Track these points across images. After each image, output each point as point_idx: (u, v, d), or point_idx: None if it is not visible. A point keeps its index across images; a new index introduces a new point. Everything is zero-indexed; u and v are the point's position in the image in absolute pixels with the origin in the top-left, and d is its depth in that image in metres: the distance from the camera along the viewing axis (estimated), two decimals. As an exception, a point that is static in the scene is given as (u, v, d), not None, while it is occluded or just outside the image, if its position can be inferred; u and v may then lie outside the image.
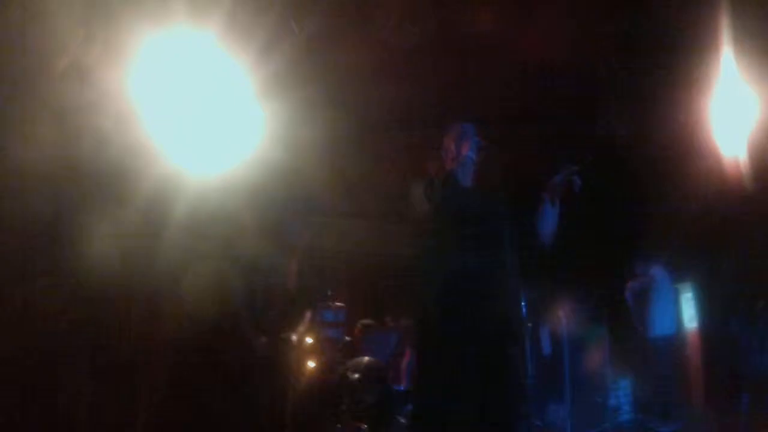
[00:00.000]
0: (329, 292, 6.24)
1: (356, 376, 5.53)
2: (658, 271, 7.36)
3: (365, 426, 5.78)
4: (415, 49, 5.01)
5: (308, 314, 4.70)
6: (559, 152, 4.08)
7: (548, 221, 3.32)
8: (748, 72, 4.91)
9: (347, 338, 6.03)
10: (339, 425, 5.53)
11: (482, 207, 3.27)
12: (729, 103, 5.35)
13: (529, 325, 6.05)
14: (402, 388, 6.01)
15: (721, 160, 5.59)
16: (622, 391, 7.85)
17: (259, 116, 4.75)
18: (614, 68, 5.87)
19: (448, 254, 3.12)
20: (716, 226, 6.34)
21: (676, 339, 7.40)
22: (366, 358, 5.74)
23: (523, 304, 3.66)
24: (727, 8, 4.58)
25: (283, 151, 5.02)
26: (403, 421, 4.93)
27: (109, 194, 4.50)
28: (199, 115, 4.47)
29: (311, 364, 6.30)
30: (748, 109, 5.17)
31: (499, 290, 3.11)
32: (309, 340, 6.41)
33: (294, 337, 4.77)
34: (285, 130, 4.97)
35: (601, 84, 6.08)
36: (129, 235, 4.46)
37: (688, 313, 8.28)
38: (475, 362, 2.96)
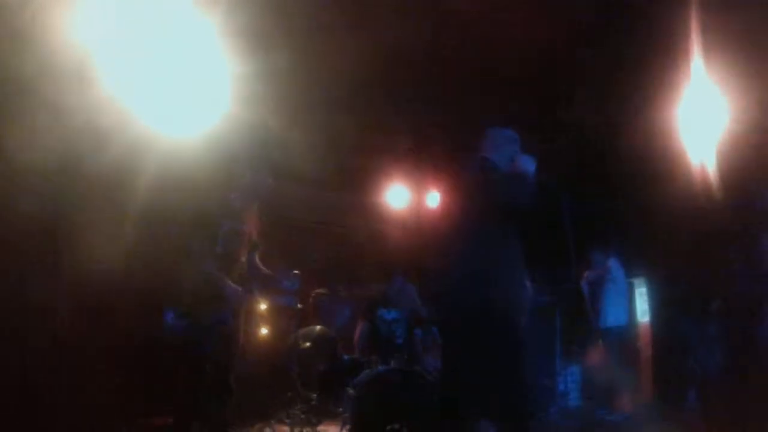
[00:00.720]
0: (315, 257, 6.23)
1: (307, 344, 5.54)
2: (613, 263, 7.45)
3: (315, 395, 5.81)
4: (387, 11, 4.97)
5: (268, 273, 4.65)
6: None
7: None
8: (718, 69, 4.97)
9: (299, 306, 6.01)
10: (289, 393, 5.53)
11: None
12: (696, 101, 5.41)
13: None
14: (351, 358, 6.03)
15: (685, 158, 5.67)
16: (570, 377, 7.96)
17: (228, 76, 4.69)
18: (584, 57, 5.91)
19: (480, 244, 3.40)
20: (675, 225, 6.42)
21: (626, 330, 7.51)
22: (318, 327, 5.75)
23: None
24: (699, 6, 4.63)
25: (251, 113, 4.97)
26: (351, 391, 4.94)
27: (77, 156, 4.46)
28: (165, 74, 4.41)
29: (264, 330, 6.31)
30: (714, 108, 5.24)
31: (512, 273, 3.51)
32: (263, 306, 6.42)
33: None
34: (254, 91, 4.92)
35: (569, 72, 6.13)
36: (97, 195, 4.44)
37: (641, 307, 8.41)
38: (492, 339, 3.30)
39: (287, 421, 5.25)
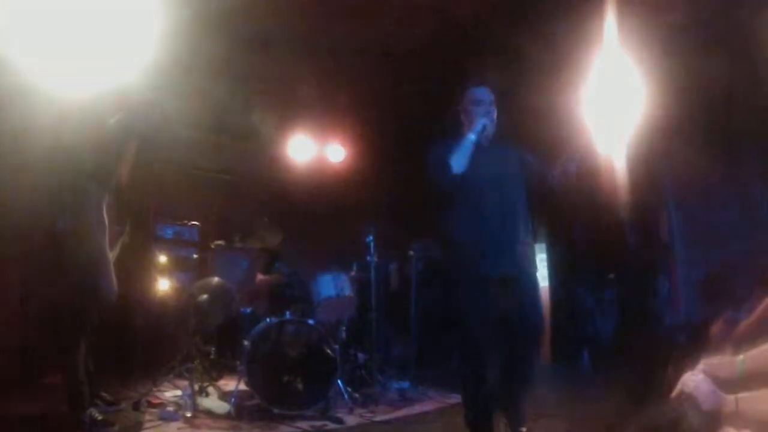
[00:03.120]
0: (266, 220, 6.11)
1: (204, 296, 5.45)
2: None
3: (213, 348, 5.75)
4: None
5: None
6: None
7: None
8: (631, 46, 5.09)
9: (195, 256, 5.92)
10: (186, 347, 5.44)
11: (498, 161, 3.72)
12: (604, 72, 5.53)
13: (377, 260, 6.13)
14: (248, 311, 5.99)
15: (589, 131, 5.80)
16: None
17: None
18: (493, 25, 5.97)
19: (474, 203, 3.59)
20: (577, 195, 6.58)
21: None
22: (215, 279, 5.66)
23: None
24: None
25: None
26: (246, 343, 4.91)
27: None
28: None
29: (162, 283, 6.19)
30: (623, 83, 5.36)
31: (518, 226, 3.63)
32: (162, 258, 6.29)
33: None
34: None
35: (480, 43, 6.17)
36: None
37: (541, 272, 8.64)
38: (503, 289, 3.46)
39: (186, 375, 5.16)
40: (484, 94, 3.83)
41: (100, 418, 4.00)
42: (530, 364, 3.58)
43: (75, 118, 4.05)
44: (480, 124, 3.64)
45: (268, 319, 5.10)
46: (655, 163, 5.88)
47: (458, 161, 3.55)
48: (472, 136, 3.62)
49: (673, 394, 2.18)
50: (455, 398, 5.77)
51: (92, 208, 4.03)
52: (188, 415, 4.53)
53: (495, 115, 3.76)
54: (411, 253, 7.21)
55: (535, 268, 3.70)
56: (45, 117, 4.15)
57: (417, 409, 5.40)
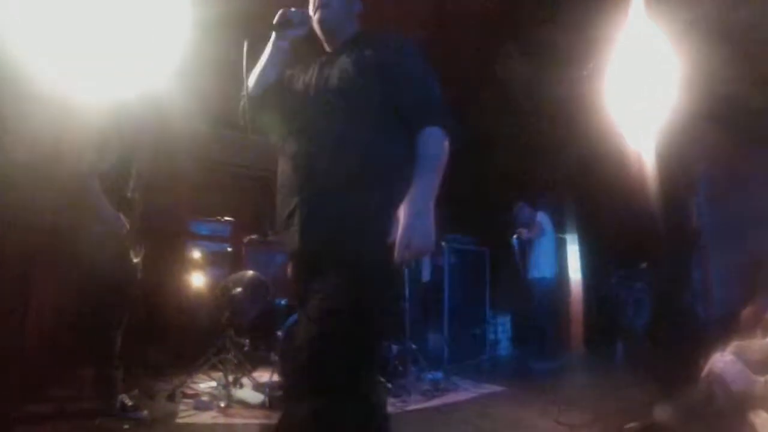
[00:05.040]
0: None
1: (239, 290, 5.51)
2: (542, 218, 7.57)
3: (246, 341, 5.81)
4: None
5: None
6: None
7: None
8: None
9: (228, 249, 5.97)
10: (221, 339, 5.51)
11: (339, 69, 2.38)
12: (629, 63, 5.51)
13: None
14: (283, 303, 6.05)
15: (617, 120, 5.79)
16: (501, 326, 8.16)
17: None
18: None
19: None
20: (608, 184, 6.55)
21: (553, 283, 7.63)
22: (249, 273, 5.72)
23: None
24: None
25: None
26: (280, 335, 4.96)
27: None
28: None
29: (197, 278, 6.28)
30: (657, 83, 5.34)
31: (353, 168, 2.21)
32: (196, 254, 6.38)
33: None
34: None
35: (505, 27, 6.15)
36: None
37: (574, 263, 8.62)
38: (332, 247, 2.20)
39: (221, 367, 5.24)
40: None
41: (130, 404, 4.11)
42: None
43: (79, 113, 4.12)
44: (284, 15, 2.44)
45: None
46: (685, 151, 5.82)
47: (257, 76, 2.47)
48: (272, 35, 2.46)
49: (702, 375, 2.18)
50: (487, 388, 5.82)
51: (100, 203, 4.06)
52: (222, 405, 4.61)
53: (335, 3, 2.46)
54: (443, 244, 7.23)
55: (371, 235, 2.14)
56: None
57: (449, 399, 5.42)
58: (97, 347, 4.12)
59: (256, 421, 4.39)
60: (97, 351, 4.13)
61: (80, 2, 4.20)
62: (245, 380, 5.37)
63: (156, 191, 4.53)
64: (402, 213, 2.05)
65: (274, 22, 2.39)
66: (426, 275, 7.25)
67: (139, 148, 4.31)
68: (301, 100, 2.40)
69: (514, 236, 7.61)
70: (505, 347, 8.19)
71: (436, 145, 2.20)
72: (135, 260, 4.27)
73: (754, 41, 4.72)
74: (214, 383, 5.10)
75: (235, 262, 6.64)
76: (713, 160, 5.86)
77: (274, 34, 2.42)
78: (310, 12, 2.45)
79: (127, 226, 4.08)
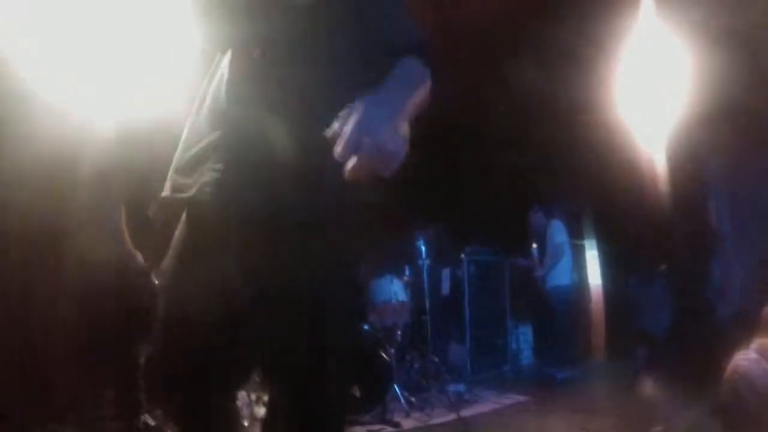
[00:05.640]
0: None
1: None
2: (555, 225, 7.54)
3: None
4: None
5: None
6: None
7: None
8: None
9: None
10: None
11: None
12: (648, 71, 5.51)
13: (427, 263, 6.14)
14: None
15: (636, 127, 5.78)
16: (522, 336, 8.13)
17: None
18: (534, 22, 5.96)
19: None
20: (623, 187, 6.53)
21: (571, 290, 7.60)
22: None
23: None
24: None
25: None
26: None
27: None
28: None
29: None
30: (668, 82, 5.34)
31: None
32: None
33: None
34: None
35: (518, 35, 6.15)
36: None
37: (593, 269, 8.59)
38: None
39: (242, 386, 5.26)
40: None
41: (153, 424, 4.13)
42: None
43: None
44: None
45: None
46: (700, 151, 5.81)
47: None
48: None
49: (726, 375, 2.17)
50: (511, 398, 5.81)
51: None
52: (246, 424, 4.62)
53: None
54: (462, 256, 7.24)
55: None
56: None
57: (473, 410, 5.41)
58: (120, 366, 4.16)
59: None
60: (119, 370, 4.16)
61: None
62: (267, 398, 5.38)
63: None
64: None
65: None
66: (446, 289, 7.24)
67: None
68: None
69: (533, 246, 7.60)
70: (527, 357, 8.15)
71: (416, 68, 1.60)
72: (155, 280, 4.32)
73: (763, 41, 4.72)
74: (236, 402, 5.11)
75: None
76: (729, 160, 5.84)
77: None
78: None
79: (143, 263, 4.12)
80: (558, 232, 7.47)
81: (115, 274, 4.01)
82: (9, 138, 4.06)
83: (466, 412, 5.31)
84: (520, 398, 5.85)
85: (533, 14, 5.68)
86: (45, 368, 4.56)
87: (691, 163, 5.86)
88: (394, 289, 5.64)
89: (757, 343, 2.14)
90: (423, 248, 6.05)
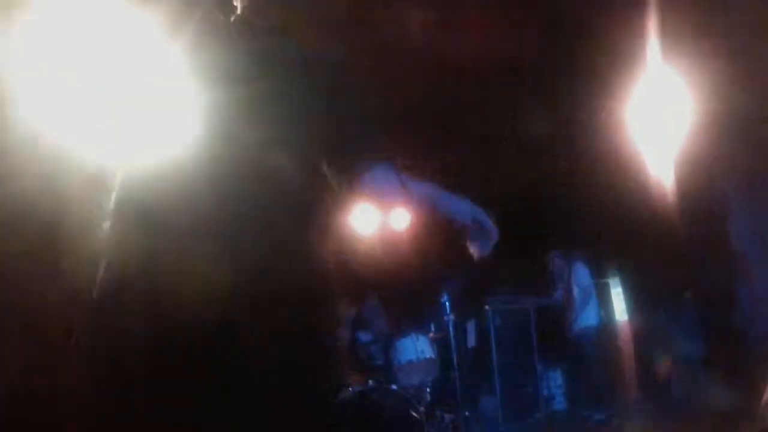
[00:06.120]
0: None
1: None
2: (577, 267, 7.52)
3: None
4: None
5: None
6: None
7: None
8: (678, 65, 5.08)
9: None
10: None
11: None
12: (654, 100, 5.54)
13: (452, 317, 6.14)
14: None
15: (646, 154, 5.78)
16: (553, 381, 8.02)
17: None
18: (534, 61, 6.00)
19: None
20: (639, 219, 6.51)
21: (598, 330, 7.54)
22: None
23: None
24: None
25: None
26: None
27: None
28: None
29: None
30: (673, 107, 5.36)
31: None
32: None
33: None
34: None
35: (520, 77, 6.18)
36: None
37: (619, 306, 8.50)
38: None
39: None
40: None
41: None
42: None
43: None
44: None
45: (350, 389, 5.13)
46: (713, 172, 5.78)
47: None
48: None
49: (764, 401, 2.13)
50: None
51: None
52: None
53: None
54: (487, 307, 7.22)
55: None
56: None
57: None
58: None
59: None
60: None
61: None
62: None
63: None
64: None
65: None
66: (471, 341, 7.22)
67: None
68: None
69: (558, 290, 7.58)
70: (559, 402, 8.01)
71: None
72: None
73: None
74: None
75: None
76: (744, 178, 5.79)
77: None
78: None
79: None
80: (583, 275, 7.45)
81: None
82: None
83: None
84: (557, 444, 5.76)
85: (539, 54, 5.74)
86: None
87: (705, 186, 5.83)
88: (420, 347, 5.64)
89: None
90: (447, 304, 6.07)
